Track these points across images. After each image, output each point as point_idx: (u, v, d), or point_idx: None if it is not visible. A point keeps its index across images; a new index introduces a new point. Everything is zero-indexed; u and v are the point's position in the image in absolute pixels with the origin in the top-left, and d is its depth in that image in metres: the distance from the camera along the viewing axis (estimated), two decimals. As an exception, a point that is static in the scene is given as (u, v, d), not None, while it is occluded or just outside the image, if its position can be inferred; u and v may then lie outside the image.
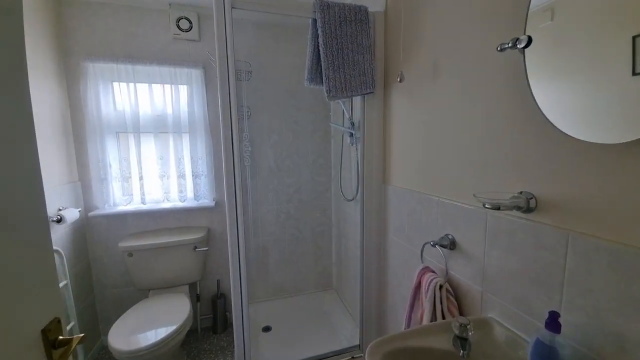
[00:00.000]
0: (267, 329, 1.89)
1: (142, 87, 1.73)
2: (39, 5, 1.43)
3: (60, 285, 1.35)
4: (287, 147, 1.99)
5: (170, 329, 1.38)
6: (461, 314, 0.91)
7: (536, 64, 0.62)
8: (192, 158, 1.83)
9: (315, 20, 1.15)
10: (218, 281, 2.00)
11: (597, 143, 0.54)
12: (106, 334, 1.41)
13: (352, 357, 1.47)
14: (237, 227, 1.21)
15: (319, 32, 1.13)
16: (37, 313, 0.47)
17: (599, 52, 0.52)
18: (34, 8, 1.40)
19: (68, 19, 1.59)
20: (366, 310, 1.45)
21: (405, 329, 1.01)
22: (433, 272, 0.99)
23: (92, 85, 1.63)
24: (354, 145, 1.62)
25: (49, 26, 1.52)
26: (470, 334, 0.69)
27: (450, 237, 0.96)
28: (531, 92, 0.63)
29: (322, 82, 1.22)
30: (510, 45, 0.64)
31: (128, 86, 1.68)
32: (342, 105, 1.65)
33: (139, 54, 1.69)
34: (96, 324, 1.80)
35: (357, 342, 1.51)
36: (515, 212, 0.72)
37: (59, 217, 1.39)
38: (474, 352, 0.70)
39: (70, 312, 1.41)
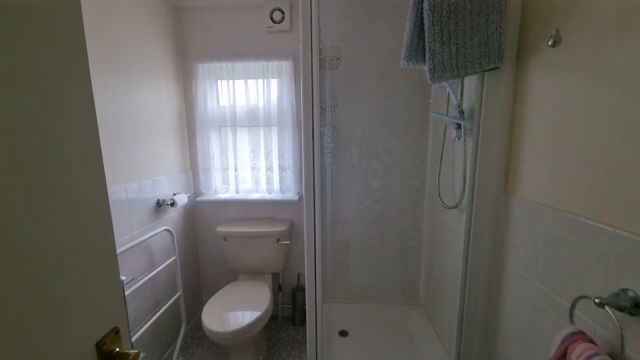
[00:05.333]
0: (343, 333, 1.78)
1: (239, 84, 1.82)
2: (163, 14, 1.65)
3: (170, 260, 1.57)
4: (376, 143, 1.77)
5: (255, 314, 1.46)
6: None
7: None
8: (279, 151, 1.84)
9: (419, -21, 0.89)
10: (298, 275, 2.00)
11: None
12: (205, 302, 1.60)
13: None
14: (314, 223, 1.15)
15: (424, -8, 0.87)
16: (91, 322, 0.45)
17: None
18: (160, 17, 1.61)
19: (185, 24, 1.79)
20: (464, 349, 1.14)
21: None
22: (592, 342, 0.64)
23: (201, 84, 1.81)
24: (462, 139, 1.28)
25: (171, 33, 1.73)
26: None
27: (631, 294, 0.59)
28: None
29: (424, 59, 0.96)
30: None
31: (228, 83, 1.80)
32: (449, 88, 1.30)
33: (237, 51, 1.78)
34: (200, 292, 2.08)
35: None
36: None
37: (172, 200, 1.61)
38: None
39: (178, 284, 1.64)
